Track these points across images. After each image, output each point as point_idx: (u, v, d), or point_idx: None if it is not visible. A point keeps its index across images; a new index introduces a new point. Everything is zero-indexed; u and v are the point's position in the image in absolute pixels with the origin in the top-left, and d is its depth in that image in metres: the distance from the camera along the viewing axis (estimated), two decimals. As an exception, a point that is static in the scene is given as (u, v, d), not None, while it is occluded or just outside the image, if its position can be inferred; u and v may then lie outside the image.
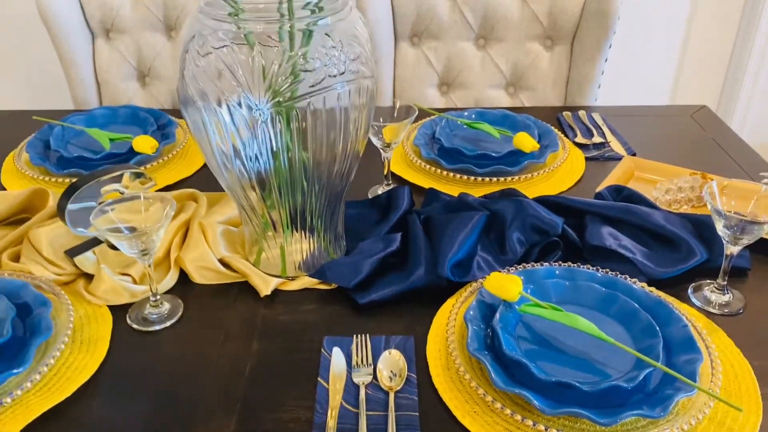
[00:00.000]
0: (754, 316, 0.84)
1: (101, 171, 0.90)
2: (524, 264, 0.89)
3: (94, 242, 0.91)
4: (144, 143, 1.17)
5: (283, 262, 0.92)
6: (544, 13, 1.45)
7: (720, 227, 0.82)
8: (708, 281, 0.88)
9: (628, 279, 0.85)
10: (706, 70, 2.27)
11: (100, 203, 0.86)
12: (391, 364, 0.76)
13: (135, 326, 0.84)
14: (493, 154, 1.15)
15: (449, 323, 0.81)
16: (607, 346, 0.74)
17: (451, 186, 1.11)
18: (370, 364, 0.76)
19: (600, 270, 0.87)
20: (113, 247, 0.91)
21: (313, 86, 0.77)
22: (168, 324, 0.84)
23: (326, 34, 0.78)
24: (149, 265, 0.82)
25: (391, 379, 0.74)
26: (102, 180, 0.91)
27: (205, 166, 1.18)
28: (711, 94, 2.33)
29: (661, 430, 0.66)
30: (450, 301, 0.86)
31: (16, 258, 0.92)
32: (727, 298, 0.86)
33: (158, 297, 0.85)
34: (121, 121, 1.30)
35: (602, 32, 1.40)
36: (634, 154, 1.22)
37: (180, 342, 0.82)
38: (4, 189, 1.12)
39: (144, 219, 0.82)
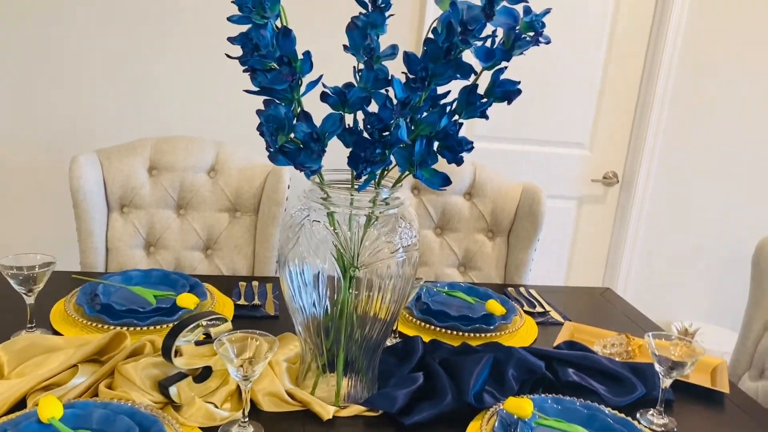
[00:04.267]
0: (684, 432, 1.17)
1: (193, 317, 1.12)
2: (521, 395, 1.18)
3: (182, 375, 1.10)
4: (187, 300, 1.39)
5: (337, 395, 1.14)
6: (487, 212, 1.88)
7: (659, 367, 1.17)
8: (648, 408, 1.21)
9: (597, 404, 1.16)
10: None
11: (204, 337, 1.08)
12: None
13: (227, 444, 1.02)
14: (472, 316, 1.47)
15: (480, 436, 1.06)
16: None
17: (443, 338, 1.40)
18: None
19: (577, 399, 1.18)
20: (197, 380, 1.11)
21: (377, 255, 1.08)
22: (256, 442, 1.03)
23: (399, 217, 1.10)
24: (247, 390, 1.03)
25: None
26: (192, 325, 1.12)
27: (235, 317, 1.41)
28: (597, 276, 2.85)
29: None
30: (476, 423, 1.12)
31: (109, 388, 1.08)
32: (665, 420, 1.19)
33: (247, 419, 1.05)
34: (153, 281, 1.51)
35: (533, 228, 1.84)
36: (569, 320, 1.60)
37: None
38: (59, 333, 1.27)
39: (249, 353, 1.05)
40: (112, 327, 1.30)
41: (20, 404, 1.04)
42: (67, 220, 1.78)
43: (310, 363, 1.17)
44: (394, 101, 0.99)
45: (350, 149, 1.00)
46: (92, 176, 1.71)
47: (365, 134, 0.99)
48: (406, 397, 1.15)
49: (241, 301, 1.53)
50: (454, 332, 1.43)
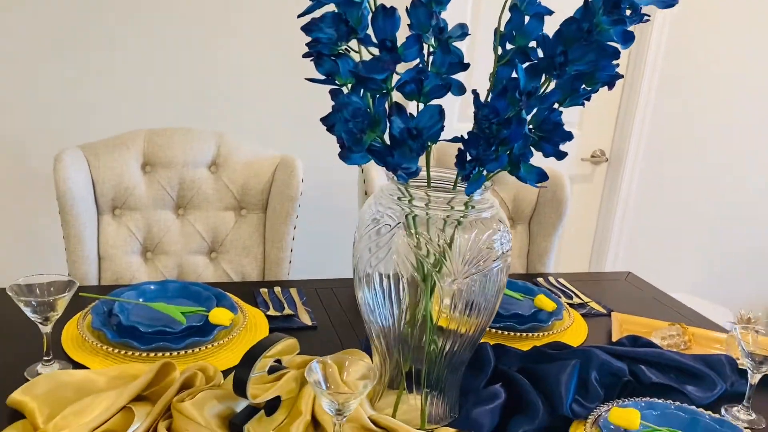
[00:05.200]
0: (774, 428, 1.13)
1: (264, 343, 0.97)
2: (609, 402, 1.11)
3: (253, 410, 0.96)
4: (221, 315, 1.23)
5: (423, 419, 1.03)
6: (509, 199, 1.80)
7: (748, 362, 1.12)
8: (732, 405, 1.17)
9: (689, 406, 1.10)
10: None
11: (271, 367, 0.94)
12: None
13: (320, 487, 0.89)
14: (523, 314, 1.39)
15: (589, 453, 0.98)
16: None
17: (499, 340, 1.31)
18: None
19: (669, 402, 1.11)
20: (269, 413, 0.97)
21: (477, 265, 0.97)
22: (352, 481, 0.90)
23: (498, 220, 0.98)
24: (341, 424, 0.90)
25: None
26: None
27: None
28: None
29: None
30: (574, 436, 1.04)
31: (168, 430, 0.93)
32: (753, 417, 1.14)
33: (339, 456, 0.92)
34: (172, 294, 1.34)
35: (557, 215, 1.77)
36: (611, 311, 1.54)
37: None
38: (81, 365, 1.10)
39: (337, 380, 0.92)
40: (142, 354, 1.13)
41: (68, 460, 0.87)
42: (50, 225, 1.57)
43: (386, 382, 1.06)
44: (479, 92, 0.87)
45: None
46: (80, 177, 1.50)
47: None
48: (496, 415, 1.05)
49: (272, 312, 1.38)
50: (510, 333, 1.34)
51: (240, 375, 0.92)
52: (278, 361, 1.02)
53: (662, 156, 2.70)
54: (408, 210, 0.96)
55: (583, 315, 1.51)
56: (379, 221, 0.99)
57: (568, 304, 1.55)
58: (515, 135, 0.83)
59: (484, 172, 0.88)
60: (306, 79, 0.95)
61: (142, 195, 1.58)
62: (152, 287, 1.34)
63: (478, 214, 0.96)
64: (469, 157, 0.86)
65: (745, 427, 1.12)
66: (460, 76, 0.92)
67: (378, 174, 1.69)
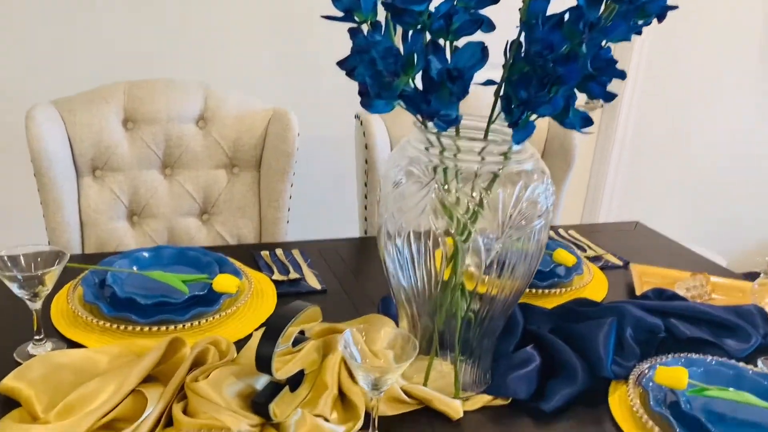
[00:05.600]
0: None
1: (287, 314, 0.88)
2: (646, 359, 1.05)
3: (277, 386, 0.87)
4: (226, 282, 1.13)
5: (456, 387, 0.96)
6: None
7: (787, 312, 1.07)
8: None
9: (728, 360, 1.05)
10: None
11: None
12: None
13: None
14: (543, 269, 1.32)
15: (638, 415, 0.92)
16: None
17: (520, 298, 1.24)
18: (604, 463, 0.84)
19: (709, 357, 1.06)
20: (293, 389, 0.88)
21: (520, 222, 0.88)
22: (390, 458, 0.83)
23: (541, 171, 0.89)
24: (377, 400, 0.82)
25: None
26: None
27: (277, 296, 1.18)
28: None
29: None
30: (616, 398, 0.98)
31: (184, 412, 0.84)
32: (792, 367, 1.10)
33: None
34: (167, 261, 1.23)
35: (566, 164, 1.69)
36: (628, 262, 1.48)
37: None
38: (78, 344, 1.00)
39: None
40: (143, 328, 1.03)
41: (75, 453, 0.78)
42: (26, 189, 1.43)
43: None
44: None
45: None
46: (55, 135, 1.37)
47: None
48: (533, 379, 0.99)
49: (277, 276, 1.28)
50: (530, 290, 1.27)
51: (264, 350, 0.83)
52: (301, 332, 0.93)
53: (658, 102, 2.63)
54: (439, 162, 0.87)
55: (600, 268, 1.45)
56: (407, 177, 0.89)
57: (584, 257, 1.49)
58: (572, 73, 0.73)
59: (533, 117, 0.79)
60: (322, 17, 0.84)
61: (124, 154, 1.46)
62: (146, 254, 1.23)
63: (519, 166, 0.87)
64: (517, 102, 0.77)
65: (783, 380, 1.07)
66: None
67: (378, 127, 1.59)
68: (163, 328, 1.04)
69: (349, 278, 1.32)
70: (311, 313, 0.91)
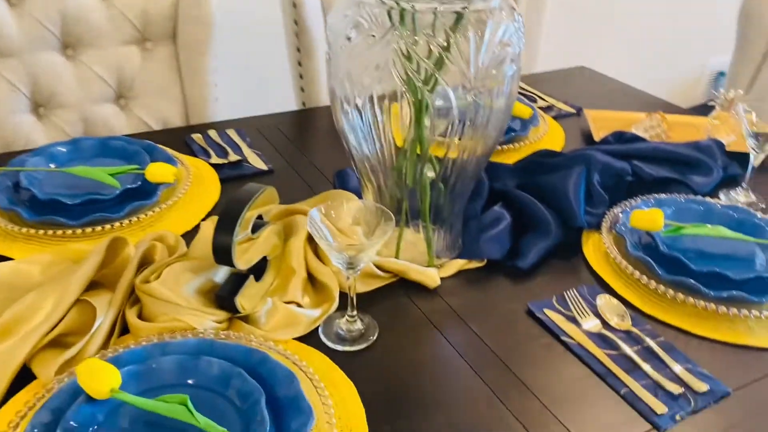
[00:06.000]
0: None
1: (241, 197, 0.78)
2: (617, 204, 1.02)
3: (240, 277, 0.79)
4: (161, 171, 1.01)
5: (430, 255, 0.90)
6: None
7: (752, 142, 1.05)
8: (731, 188, 1.11)
9: (696, 197, 1.04)
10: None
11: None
12: (611, 307, 0.83)
13: (336, 347, 0.76)
14: (498, 125, 1.25)
15: (615, 261, 0.90)
16: (742, 247, 0.91)
17: (480, 158, 1.18)
18: (589, 313, 0.82)
19: (676, 195, 1.04)
20: (258, 278, 0.81)
21: (488, 70, 0.79)
22: (373, 338, 0.78)
23: (511, 8, 0.78)
24: (354, 278, 0.75)
25: (623, 318, 0.81)
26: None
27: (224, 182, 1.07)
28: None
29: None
30: (590, 247, 0.95)
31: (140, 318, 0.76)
32: (752, 198, 1.09)
33: (355, 312, 0.79)
34: (88, 154, 1.09)
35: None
36: (580, 109, 1.43)
37: (397, 349, 0.77)
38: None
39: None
40: (75, 231, 0.92)
41: (21, 376, 0.69)
42: None
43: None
44: None
45: None
46: (-77, 19, 1.14)
47: None
48: (506, 238, 0.94)
49: (215, 159, 1.17)
50: (489, 146, 1.21)
51: (222, 240, 0.74)
52: (259, 216, 0.84)
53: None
54: (395, 4, 0.75)
55: (553, 118, 1.39)
56: (357, 31, 0.77)
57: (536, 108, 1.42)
58: None
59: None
60: None
61: (12, 35, 1.24)
62: (62, 149, 1.08)
63: (484, 3, 0.76)
64: None
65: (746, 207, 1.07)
66: None
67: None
68: (98, 228, 0.93)
69: (295, 155, 1.21)
70: (267, 195, 0.82)
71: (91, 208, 0.95)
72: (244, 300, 0.77)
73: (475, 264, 0.92)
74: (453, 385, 0.72)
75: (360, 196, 0.97)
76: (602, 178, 1.05)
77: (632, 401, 0.70)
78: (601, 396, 0.71)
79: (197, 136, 1.25)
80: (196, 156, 1.17)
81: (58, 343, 0.72)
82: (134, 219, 0.96)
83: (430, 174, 0.85)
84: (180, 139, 1.24)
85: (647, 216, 0.92)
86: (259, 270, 0.81)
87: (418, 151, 0.83)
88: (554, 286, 0.88)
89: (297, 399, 0.64)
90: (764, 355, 0.78)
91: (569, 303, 0.84)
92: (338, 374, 0.72)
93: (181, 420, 0.60)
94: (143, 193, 1.00)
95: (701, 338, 0.80)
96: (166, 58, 1.38)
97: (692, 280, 0.83)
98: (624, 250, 0.92)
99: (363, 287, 0.86)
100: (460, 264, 0.91)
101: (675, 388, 0.71)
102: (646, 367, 0.74)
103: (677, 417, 0.68)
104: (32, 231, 0.91)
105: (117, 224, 0.94)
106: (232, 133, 1.26)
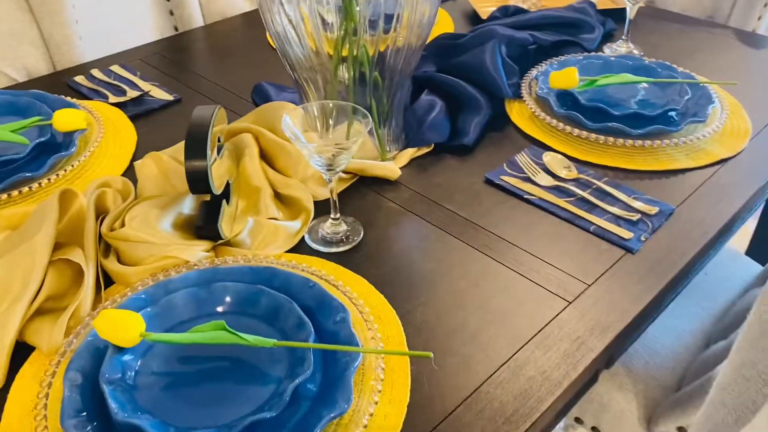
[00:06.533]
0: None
1: (200, 123, 0.73)
2: (528, 73, 1.09)
3: (211, 204, 0.76)
4: (70, 118, 0.92)
5: (382, 148, 0.92)
6: None
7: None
8: (611, 42, 1.23)
9: (591, 53, 1.13)
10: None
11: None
12: (557, 162, 0.90)
13: (331, 249, 0.78)
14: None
15: (545, 121, 0.98)
16: (646, 89, 1.02)
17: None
18: (540, 171, 0.89)
19: (573, 56, 1.13)
20: (229, 201, 0.79)
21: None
22: (360, 236, 0.80)
23: None
24: (334, 181, 0.76)
25: (569, 169, 0.89)
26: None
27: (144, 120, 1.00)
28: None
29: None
30: (517, 113, 1.02)
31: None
32: (630, 47, 1.21)
33: (339, 214, 0.79)
34: (-28, 116, 0.96)
35: None
36: (454, -8, 1.47)
37: (385, 239, 0.80)
38: None
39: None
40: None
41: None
42: None
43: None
44: None
45: None
46: None
47: None
48: (444, 120, 0.98)
49: (114, 99, 1.08)
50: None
51: (196, 167, 0.71)
52: (218, 138, 0.80)
53: None
54: None
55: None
56: None
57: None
58: None
59: None
60: None
61: None
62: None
63: None
64: None
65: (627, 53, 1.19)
66: None
67: None
68: (25, 189, 0.84)
69: (194, 80, 1.15)
70: (220, 115, 0.78)
71: (6, 172, 0.85)
72: (224, 225, 0.75)
73: (423, 150, 0.95)
74: (445, 257, 0.77)
75: (298, 104, 0.95)
76: (508, 50, 1.11)
77: (602, 234, 0.79)
78: (574, 237, 0.80)
79: (80, 79, 1.14)
80: (89, 99, 1.08)
81: (50, 309, 0.66)
82: (60, 173, 0.87)
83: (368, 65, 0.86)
84: (61, 86, 1.12)
85: (563, 75, 1.00)
86: (225, 194, 0.79)
87: (354, 51, 0.82)
88: (500, 155, 0.94)
89: (324, 299, 0.65)
90: (688, 174, 0.90)
91: (521, 166, 0.90)
92: (346, 273, 0.73)
93: (225, 344, 0.59)
94: (56, 145, 0.91)
95: (635, 171, 0.90)
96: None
97: (616, 123, 0.93)
98: (549, 110, 0.99)
99: (328, 193, 0.86)
100: (410, 153, 0.94)
101: (632, 216, 0.81)
102: (603, 204, 0.83)
103: (642, 238, 0.78)
104: (-56, 208, 0.81)
105: (44, 181, 0.85)
106: (117, 69, 1.17)
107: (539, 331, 0.67)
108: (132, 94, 1.08)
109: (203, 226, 0.75)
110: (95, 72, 1.16)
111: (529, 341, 0.66)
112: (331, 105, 0.77)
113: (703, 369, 0.89)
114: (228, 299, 0.66)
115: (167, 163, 0.84)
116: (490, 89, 1.02)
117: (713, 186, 0.88)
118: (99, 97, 1.08)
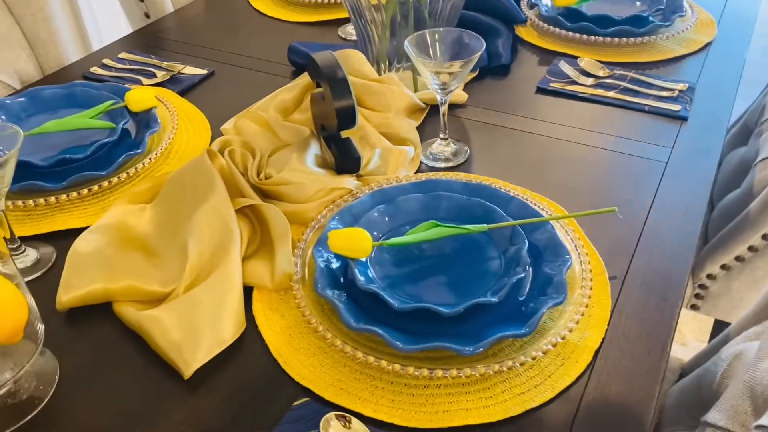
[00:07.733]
0: None
1: (329, 61, 0.78)
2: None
3: (343, 140, 0.82)
4: (143, 96, 0.92)
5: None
6: None
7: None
8: None
9: None
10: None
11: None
12: (591, 65, 1.05)
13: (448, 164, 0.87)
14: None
15: (557, 34, 1.12)
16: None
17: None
18: (581, 74, 1.03)
19: None
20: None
21: None
22: (468, 151, 0.89)
23: None
24: (447, 102, 0.84)
25: (602, 69, 1.04)
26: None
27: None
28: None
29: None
30: (526, 34, 1.15)
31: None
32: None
33: (447, 135, 0.88)
34: (38, 110, 0.94)
35: None
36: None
37: (490, 151, 0.90)
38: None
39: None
40: (58, 197, 0.82)
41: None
42: None
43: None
44: None
45: None
46: None
47: None
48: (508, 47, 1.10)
49: (148, 80, 1.07)
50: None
51: (344, 107, 0.77)
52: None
53: None
54: None
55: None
56: None
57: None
58: None
59: None
60: None
61: None
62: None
63: None
64: None
65: None
66: None
67: None
68: (140, 165, 0.84)
69: (214, 53, 1.16)
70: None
71: (71, 169, 0.83)
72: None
73: (471, 75, 1.06)
74: (549, 153, 0.89)
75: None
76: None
77: (657, 110, 0.95)
78: (634, 119, 0.94)
79: (96, 69, 1.11)
80: (130, 84, 1.06)
81: (247, 256, 0.70)
82: (159, 152, 0.88)
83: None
84: (76, 79, 1.10)
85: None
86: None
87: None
88: (536, 68, 1.07)
89: (527, 209, 0.73)
90: (688, 59, 1.08)
91: (564, 72, 1.04)
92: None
93: (447, 236, 0.67)
94: (144, 122, 0.91)
95: (650, 63, 1.07)
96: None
97: (624, 26, 1.09)
98: (558, 27, 1.14)
99: (416, 119, 0.94)
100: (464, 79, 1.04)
101: (671, 93, 0.98)
102: (643, 89, 0.99)
103: (687, 108, 0.95)
104: (59, 198, 0.80)
105: (140, 165, 0.85)
106: (128, 56, 1.15)
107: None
108: (163, 75, 1.08)
109: (344, 159, 0.81)
110: (108, 61, 1.13)
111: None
112: (442, 31, 0.85)
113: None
114: (442, 209, 0.73)
115: (269, 119, 0.88)
116: (506, 17, 1.14)
117: (709, 66, 1.07)
118: (133, 83, 1.07)
